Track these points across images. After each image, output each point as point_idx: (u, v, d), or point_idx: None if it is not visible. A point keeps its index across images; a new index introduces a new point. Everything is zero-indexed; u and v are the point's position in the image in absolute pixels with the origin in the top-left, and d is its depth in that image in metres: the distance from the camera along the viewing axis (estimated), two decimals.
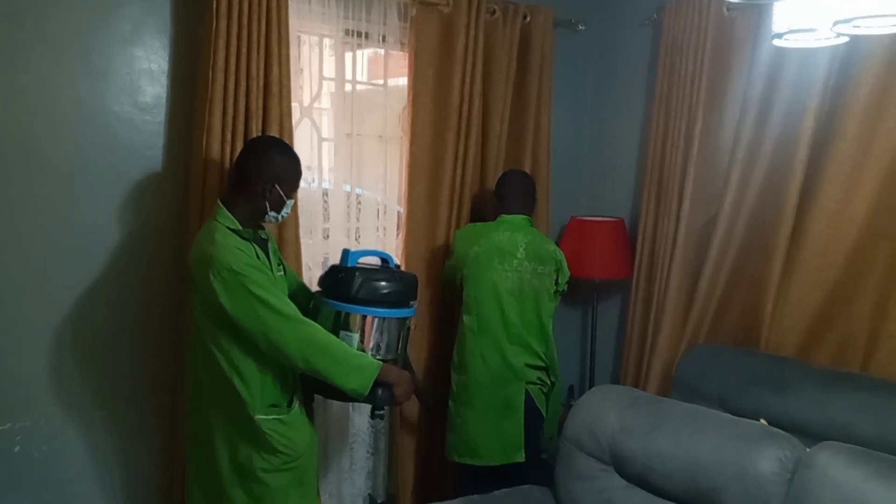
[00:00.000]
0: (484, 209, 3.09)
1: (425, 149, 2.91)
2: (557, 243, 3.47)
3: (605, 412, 2.29)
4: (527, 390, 2.76)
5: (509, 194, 2.85)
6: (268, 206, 2.10)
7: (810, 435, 2.27)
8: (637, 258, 3.27)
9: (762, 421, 2.23)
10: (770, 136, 2.80)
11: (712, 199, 3.01)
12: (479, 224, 2.89)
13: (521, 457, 2.72)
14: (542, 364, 2.80)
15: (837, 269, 2.66)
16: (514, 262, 2.75)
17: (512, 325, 2.75)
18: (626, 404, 2.29)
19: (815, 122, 2.65)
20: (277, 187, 2.09)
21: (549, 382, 2.83)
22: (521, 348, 2.76)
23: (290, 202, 2.16)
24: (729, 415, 2.22)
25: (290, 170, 2.15)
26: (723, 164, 2.97)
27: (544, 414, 2.82)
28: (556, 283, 2.84)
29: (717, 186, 2.99)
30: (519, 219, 2.82)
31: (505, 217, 2.82)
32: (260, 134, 2.40)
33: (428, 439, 3.09)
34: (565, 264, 2.86)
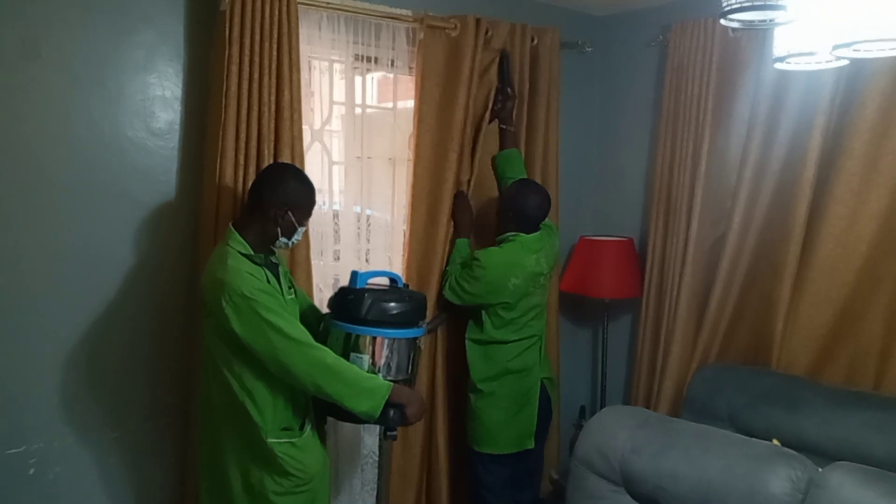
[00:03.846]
0: (487, 227, 3.10)
1: (429, 169, 2.92)
2: (566, 264, 3.49)
3: (616, 432, 2.29)
4: (542, 381, 2.90)
5: (534, 218, 2.82)
6: (279, 231, 2.12)
7: (822, 454, 2.26)
8: (646, 278, 3.27)
9: (775, 441, 2.23)
10: (777, 155, 2.81)
11: (721, 219, 3.02)
12: (505, 249, 2.79)
13: (531, 444, 2.88)
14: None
15: (847, 286, 2.65)
16: (542, 279, 2.86)
17: (539, 331, 2.92)
18: (637, 424, 2.29)
19: (822, 141, 2.66)
20: (290, 214, 2.12)
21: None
22: (541, 346, 2.94)
23: (301, 230, 2.18)
24: (739, 434, 2.22)
25: (304, 198, 2.18)
26: (730, 183, 2.98)
27: (552, 402, 2.99)
28: None
29: (726, 205, 3.00)
30: (534, 236, 2.82)
31: (523, 238, 2.79)
32: (272, 157, 2.43)
33: (434, 449, 3.10)
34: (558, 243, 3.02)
